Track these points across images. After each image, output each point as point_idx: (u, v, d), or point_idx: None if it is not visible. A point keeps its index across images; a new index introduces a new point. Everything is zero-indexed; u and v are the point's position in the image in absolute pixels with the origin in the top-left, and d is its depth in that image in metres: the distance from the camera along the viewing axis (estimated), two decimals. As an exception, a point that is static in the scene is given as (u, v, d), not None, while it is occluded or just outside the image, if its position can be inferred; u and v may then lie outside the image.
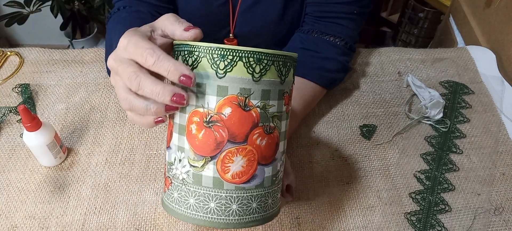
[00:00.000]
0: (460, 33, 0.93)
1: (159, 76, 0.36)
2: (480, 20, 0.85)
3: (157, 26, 0.39)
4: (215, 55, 0.35)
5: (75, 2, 1.59)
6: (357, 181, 0.58)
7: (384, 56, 0.78)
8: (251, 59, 0.36)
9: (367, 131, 0.65)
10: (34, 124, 0.53)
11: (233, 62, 0.35)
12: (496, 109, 0.69)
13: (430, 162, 0.61)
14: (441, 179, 0.59)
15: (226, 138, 0.37)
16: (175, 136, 0.39)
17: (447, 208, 0.55)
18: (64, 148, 0.59)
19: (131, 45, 0.36)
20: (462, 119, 0.67)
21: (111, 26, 0.64)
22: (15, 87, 0.70)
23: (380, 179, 0.59)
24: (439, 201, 0.56)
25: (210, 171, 0.38)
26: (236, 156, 0.38)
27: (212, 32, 0.75)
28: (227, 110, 0.36)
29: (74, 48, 0.79)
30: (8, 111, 0.65)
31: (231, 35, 0.75)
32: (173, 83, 0.37)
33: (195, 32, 0.38)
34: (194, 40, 0.38)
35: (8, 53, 0.76)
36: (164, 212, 0.54)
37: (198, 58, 0.36)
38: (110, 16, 0.68)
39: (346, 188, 0.57)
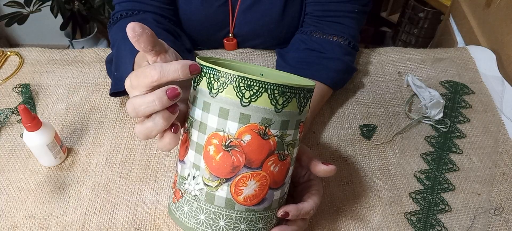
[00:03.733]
0: (460, 33, 0.93)
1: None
2: (480, 20, 0.85)
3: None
4: (241, 85, 0.36)
5: (75, 2, 1.59)
6: (357, 181, 0.58)
7: (384, 56, 0.78)
8: (276, 91, 0.36)
9: (367, 131, 0.65)
10: (34, 123, 0.53)
11: (258, 93, 0.36)
12: (496, 109, 0.69)
13: (430, 162, 0.61)
14: (441, 179, 0.59)
15: (243, 163, 0.38)
16: (191, 152, 0.40)
17: (447, 208, 0.55)
18: (64, 148, 0.59)
19: (133, 78, 0.36)
20: (462, 118, 0.67)
21: (115, 35, 0.63)
22: (15, 87, 0.70)
23: (380, 179, 0.59)
24: (439, 201, 0.56)
25: (223, 192, 0.39)
26: (250, 180, 0.39)
27: (211, 32, 0.75)
28: (247, 138, 0.37)
29: (74, 48, 0.79)
30: (11, 113, 0.65)
31: (230, 35, 0.75)
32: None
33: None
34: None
35: (8, 53, 0.76)
36: (164, 212, 0.54)
37: (225, 84, 0.37)
38: (112, 21, 0.68)
39: (346, 188, 0.57)
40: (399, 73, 0.75)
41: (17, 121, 0.65)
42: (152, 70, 0.34)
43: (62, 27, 1.60)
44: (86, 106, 0.67)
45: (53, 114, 0.66)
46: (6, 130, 0.64)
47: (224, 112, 0.37)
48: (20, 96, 0.68)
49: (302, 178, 0.50)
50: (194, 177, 0.40)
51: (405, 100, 0.70)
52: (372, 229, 0.53)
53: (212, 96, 0.37)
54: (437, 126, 0.65)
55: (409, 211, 0.55)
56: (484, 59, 0.77)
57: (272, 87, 0.36)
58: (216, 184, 0.39)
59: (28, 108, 0.57)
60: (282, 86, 0.36)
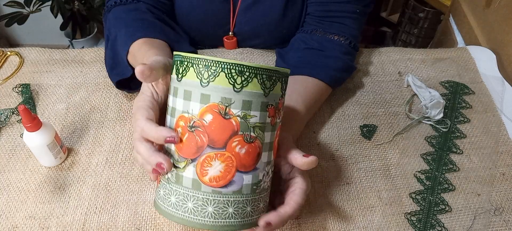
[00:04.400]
0: (460, 33, 0.93)
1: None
2: (480, 20, 0.85)
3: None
4: (200, 66, 0.39)
5: (75, 2, 1.59)
6: (358, 181, 0.58)
7: (384, 56, 0.78)
8: (233, 70, 0.38)
9: (368, 131, 0.65)
10: (34, 124, 0.53)
11: (216, 72, 0.38)
12: (497, 109, 0.69)
13: (431, 162, 0.61)
14: (441, 179, 0.59)
15: (206, 143, 0.40)
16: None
17: (447, 208, 0.55)
18: (64, 148, 0.59)
19: (133, 126, 0.44)
20: (463, 119, 0.67)
21: (110, 23, 0.65)
22: (15, 87, 0.70)
23: (380, 179, 0.59)
24: (439, 201, 0.56)
25: (190, 172, 0.40)
26: (215, 160, 0.40)
27: (211, 29, 0.75)
28: (208, 117, 0.39)
29: (74, 48, 0.79)
30: (11, 113, 0.65)
31: (231, 33, 0.75)
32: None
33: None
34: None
35: (8, 53, 0.76)
36: (164, 212, 0.54)
37: (187, 67, 0.40)
38: (107, 9, 0.69)
39: (346, 188, 0.57)
40: (399, 73, 0.75)
41: (17, 121, 0.65)
42: (139, 134, 0.42)
43: (62, 27, 1.60)
44: (86, 106, 0.67)
45: (53, 114, 0.66)
46: (6, 130, 0.64)
47: (187, 94, 0.40)
48: (20, 96, 0.68)
49: (287, 175, 0.47)
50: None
51: (406, 101, 0.70)
52: (372, 229, 0.53)
53: (178, 81, 0.41)
54: (437, 126, 0.65)
55: (409, 211, 0.55)
56: (484, 60, 0.77)
57: (228, 66, 0.38)
58: (183, 164, 0.41)
59: (28, 108, 0.57)
60: (239, 65, 0.38)
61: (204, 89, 0.39)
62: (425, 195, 0.57)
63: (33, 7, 1.55)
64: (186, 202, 0.41)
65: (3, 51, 0.76)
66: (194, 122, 0.40)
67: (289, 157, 0.45)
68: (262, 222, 0.42)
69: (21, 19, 1.53)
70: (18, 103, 0.67)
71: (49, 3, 1.53)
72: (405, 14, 1.65)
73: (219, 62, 0.38)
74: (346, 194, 0.57)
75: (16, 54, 0.76)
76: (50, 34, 1.97)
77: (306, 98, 0.61)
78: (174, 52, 0.42)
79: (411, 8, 1.60)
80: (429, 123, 0.66)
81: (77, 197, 0.55)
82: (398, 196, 0.57)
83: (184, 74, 0.40)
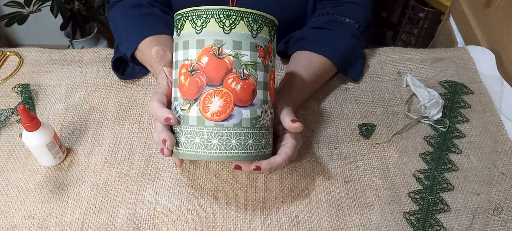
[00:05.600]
0: (460, 33, 0.93)
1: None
2: (480, 20, 0.85)
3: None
4: (194, 16, 0.45)
5: (75, 2, 1.59)
6: (356, 180, 0.58)
7: (384, 56, 0.78)
8: (221, 15, 0.44)
9: (366, 130, 0.65)
10: (34, 124, 0.53)
11: (207, 19, 0.44)
12: (495, 109, 0.69)
13: (429, 161, 0.61)
14: (440, 178, 0.59)
15: (205, 82, 0.45)
16: (173, 90, 0.49)
17: (446, 207, 0.55)
18: (63, 148, 0.59)
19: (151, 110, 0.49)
20: (462, 118, 0.67)
21: (116, 14, 0.70)
22: (15, 87, 0.70)
23: (379, 178, 0.59)
24: (438, 201, 0.56)
25: (194, 111, 0.46)
26: (214, 97, 0.45)
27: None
28: (205, 59, 0.45)
29: (74, 48, 0.79)
30: (11, 113, 0.65)
31: None
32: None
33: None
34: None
35: (8, 53, 0.76)
36: (163, 211, 0.54)
37: (183, 21, 0.46)
38: (112, 2, 0.72)
39: (345, 187, 0.57)
40: (399, 73, 0.75)
41: (16, 121, 0.65)
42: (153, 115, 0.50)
43: (62, 27, 1.60)
44: (85, 106, 0.67)
45: (52, 114, 0.66)
46: (5, 130, 0.64)
47: (186, 44, 0.46)
48: (20, 96, 0.68)
49: (280, 132, 0.53)
50: (175, 108, 0.48)
51: (404, 100, 0.70)
52: (371, 228, 0.53)
53: (177, 35, 0.47)
54: (436, 125, 0.65)
55: (408, 210, 0.55)
56: (483, 59, 0.77)
57: (217, 12, 0.44)
58: (188, 106, 0.46)
59: (28, 108, 0.57)
60: (226, 10, 0.44)
61: (198, 36, 0.45)
62: (424, 194, 0.57)
63: (33, 7, 1.55)
64: (193, 138, 0.46)
65: (2, 51, 0.76)
66: (193, 66, 0.45)
67: (280, 116, 0.50)
68: (252, 165, 0.47)
69: (21, 19, 1.53)
70: (17, 104, 0.67)
71: (49, 3, 1.53)
72: (405, 14, 1.65)
73: (209, 10, 0.44)
74: (344, 192, 0.57)
75: (15, 54, 0.76)
76: (50, 34, 1.97)
77: (309, 68, 0.63)
78: (175, 14, 0.48)
79: (411, 8, 1.60)
80: (428, 122, 0.66)
81: (76, 197, 0.55)
82: (397, 195, 0.57)
83: (181, 29, 0.46)
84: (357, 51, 0.71)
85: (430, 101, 0.65)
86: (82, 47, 1.79)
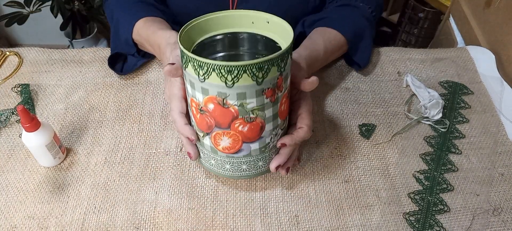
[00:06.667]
0: (460, 33, 0.93)
1: None
2: (480, 20, 0.85)
3: None
4: (196, 65, 0.42)
5: (75, 2, 1.59)
6: (356, 180, 0.58)
7: (384, 56, 0.78)
8: (222, 70, 0.41)
9: (366, 130, 0.65)
10: (33, 124, 0.53)
11: (208, 72, 0.41)
12: (495, 110, 0.69)
13: (429, 162, 0.61)
14: (440, 179, 0.59)
15: (213, 124, 0.46)
16: (189, 109, 0.50)
17: (446, 208, 0.55)
18: (63, 148, 0.59)
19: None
20: (461, 119, 0.67)
21: (113, 7, 0.71)
22: (14, 87, 0.70)
23: (379, 178, 0.59)
24: (438, 202, 0.56)
25: (207, 141, 0.49)
26: (223, 136, 0.47)
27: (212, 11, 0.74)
28: (211, 106, 0.44)
29: (74, 48, 0.79)
30: (11, 114, 0.65)
31: None
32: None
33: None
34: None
35: (7, 53, 0.76)
36: (163, 211, 0.54)
37: (187, 63, 0.43)
38: None
39: (345, 187, 0.57)
40: (399, 73, 0.75)
41: (16, 121, 0.65)
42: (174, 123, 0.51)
43: (62, 27, 1.60)
44: (85, 106, 0.67)
45: (52, 114, 0.66)
46: (5, 130, 0.64)
47: (192, 84, 0.44)
48: (19, 96, 0.68)
49: (294, 97, 0.53)
50: (192, 123, 0.50)
51: (404, 100, 0.70)
52: (370, 229, 0.53)
53: (184, 70, 0.45)
54: (436, 126, 0.65)
55: (408, 211, 0.55)
56: (483, 60, 0.76)
57: (218, 67, 0.40)
58: (202, 135, 0.49)
59: (27, 108, 0.57)
60: (227, 66, 0.40)
61: (202, 84, 0.43)
62: (424, 195, 0.57)
63: (33, 7, 1.55)
64: (210, 159, 0.51)
65: (2, 51, 0.76)
66: (201, 107, 0.45)
67: (301, 86, 0.50)
68: (278, 143, 0.50)
69: (21, 19, 1.53)
70: (17, 104, 0.67)
71: (49, 3, 1.53)
72: (405, 14, 1.65)
73: (209, 64, 0.40)
74: (344, 192, 0.57)
75: (15, 54, 0.76)
76: (50, 34, 1.97)
77: (325, 37, 0.66)
78: (182, 49, 0.44)
79: (411, 8, 1.60)
80: (428, 123, 0.66)
81: (76, 197, 0.55)
82: (397, 195, 0.57)
83: (186, 66, 0.44)
84: (367, 33, 0.72)
85: (430, 102, 0.65)
86: (82, 47, 1.78)
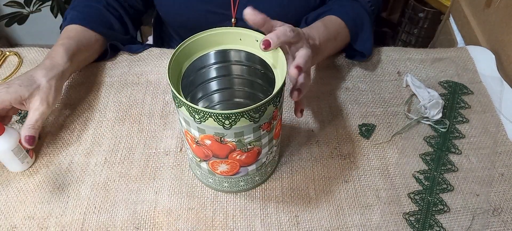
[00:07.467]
0: (460, 33, 0.93)
1: None
2: (480, 20, 0.85)
3: None
4: (190, 109, 0.41)
5: (75, 2, 1.59)
6: (356, 180, 0.58)
7: (384, 55, 0.78)
8: (220, 117, 0.40)
9: (366, 130, 0.65)
10: (-4, 130, 0.52)
11: (204, 117, 0.41)
12: (495, 110, 0.69)
13: (429, 162, 0.61)
14: (440, 179, 0.59)
15: (211, 155, 0.47)
16: (185, 141, 0.51)
17: (445, 208, 0.55)
18: (31, 152, 0.58)
19: None
20: (461, 119, 0.67)
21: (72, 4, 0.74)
22: (15, 87, 0.70)
23: (379, 178, 0.59)
24: (437, 202, 0.56)
25: (205, 165, 0.50)
26: (221, 164, 0.49)
27: (211, 19, 0.74)
28: (208, 142, 0.45)
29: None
30: None
31: (233, 19, 0.74)
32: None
33: None
34: None
35: (7, 53, 0.76)
36: (163, 211, 0.54)
37: (180, 104, 0.42)
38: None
39: (344, 187, 0.57)
40: (399, 73, 0.75)
41: (15, 121, 0.65)
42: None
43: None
44: (84, 106, 0.67)
45: (51, 114, 0.66)
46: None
47: (187, 122, 0.44)
48: (20, 96, 0.68)
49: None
50: (187, 150, 0.53)
51: (404, 100, 0.70)
52: (370, 229, 0.53)
53: (176, 107, 0.44)
54: (436, 126, 0.65)
55: (407, 211, 0.55)
56: (483, 60, 0.76)
57: (215, 114, 0.40)
58: (198, 160, 0.50)
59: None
60: (223, 114, 0.40)
61: (199, 125, 0.42)
62: (424, 195, 0.57)
63: (33, 7, 1.55)
64: (208, 178, 0.54)
65: (2, 51, 0.76)
66: (197, 140, 0.45)
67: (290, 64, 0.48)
68: (292, 69, 0.46)
69: (21, 19, 1.52)
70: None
71: (49, 3, 1.53)
72: (405, 14, 1.64)
73: (205, 112, 0.40)
74: (344, 192, 0.57)
75: (15, 54, 0.76)
76: (50, 34, 1.96)
77: (324, 20, 0.66)
78: (173, 90, 0.42)
79: (411, 8, 1.60)
80: (428, 123, 0.66)
81: (76, 197, 0.55)
82: (397, 195, 0.57)
83: (179, 106, 0.43)
84: (367, 21, 0.72)
85: (430, 102, 0.65)
86: (82, 47, 1.78)
